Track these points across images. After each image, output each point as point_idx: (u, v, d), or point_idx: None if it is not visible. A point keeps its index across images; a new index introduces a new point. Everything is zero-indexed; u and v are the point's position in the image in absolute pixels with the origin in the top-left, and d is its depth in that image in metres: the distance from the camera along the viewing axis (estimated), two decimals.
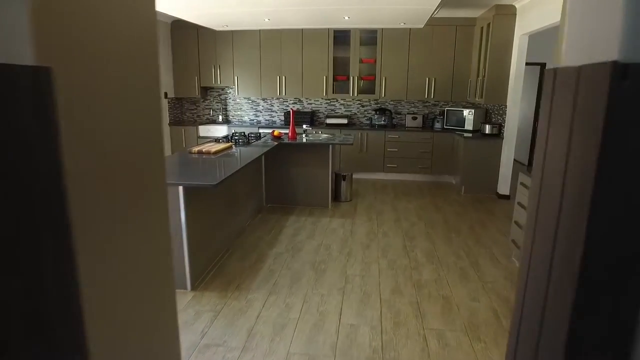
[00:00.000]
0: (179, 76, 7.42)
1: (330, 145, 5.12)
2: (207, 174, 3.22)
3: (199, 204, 3.34)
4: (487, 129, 6.09)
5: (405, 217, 5.03)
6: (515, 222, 3.63)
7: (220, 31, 7.03)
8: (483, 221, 4.94)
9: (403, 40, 6.69)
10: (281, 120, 7.60)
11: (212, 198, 3.67)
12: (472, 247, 4.13)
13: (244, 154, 4.24)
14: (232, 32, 7.01)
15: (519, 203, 3.59)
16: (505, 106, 5.81)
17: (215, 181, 2.91)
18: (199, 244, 3.37)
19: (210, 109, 7.80)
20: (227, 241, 4.06)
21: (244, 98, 7.63)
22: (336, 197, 5.63)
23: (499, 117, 6.10)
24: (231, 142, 4.82)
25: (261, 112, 7.68)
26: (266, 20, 5.30)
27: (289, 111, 7.40)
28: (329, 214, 5.14)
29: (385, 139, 6.83)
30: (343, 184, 5.53)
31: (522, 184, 3.53)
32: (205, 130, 7.30)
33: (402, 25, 6.34)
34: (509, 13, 5.52)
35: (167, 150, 7.34)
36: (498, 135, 6.02)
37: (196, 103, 7.86)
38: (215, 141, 4.78)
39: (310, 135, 5.58)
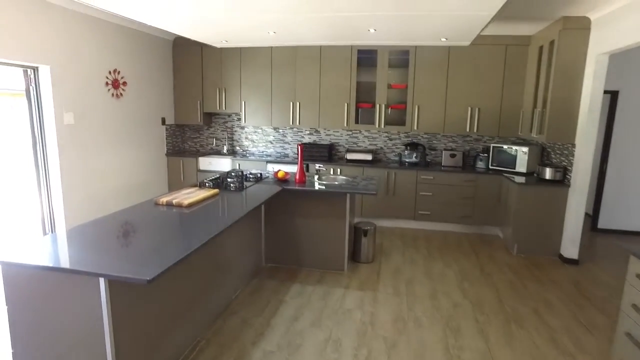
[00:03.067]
0: (180, 100, 6.50)
1: (348, 194, 3.99)
2: (155, 252, 2.14)
3: (143, 291, 2.25)
4: (548, 173, 4.83)
5: (445, 292, 3.80)
6: (628, 335, 2.37)
7: (227, 49, 6.11)
8: (550, 302, 3.66)
9: (441, 62, 5.58)
10: (294, 154, 6.54)
11: (173, 274, 2.57)
12: (546, 354, 2.86)
13: (230, 208, 3.15)
14: (240, 50, 6.07)
15: (634, 306, 2.33)
16: (573, 145, 4.57)
17: (149, 275, 1.81)
18: (141, 350, 2.26)
19: (214, 138, 6.83)
20: (197, 329, 2.94)
21: (252, 127, 6.63)
22: (355, 256, 4.45)
23: (563, 159, 4.84)
24: (220, 186, 3.76)
25: (272, 143, 6.64)
26: (271, 33, 4.31)
27: (305, 144, 6.35)
28: (344, 281, 3.96)
29: (417, 179, 5.65)
30: (364, 240, 4.36)
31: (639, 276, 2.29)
32: (206, 163, 6.30)
33: (442, 42, 5.25)
34: (581, 27, 4.34)
35: (164, 186, 6.36)
36: (562, 181, 4.75)
37: (199, 131, 6.90)
38: (198, 186, 3.72)
39: (324, 177, 4.47)
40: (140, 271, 1.86)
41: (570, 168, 4.65)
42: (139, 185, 5.84)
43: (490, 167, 5.67)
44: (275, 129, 6.57)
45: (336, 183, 4.22)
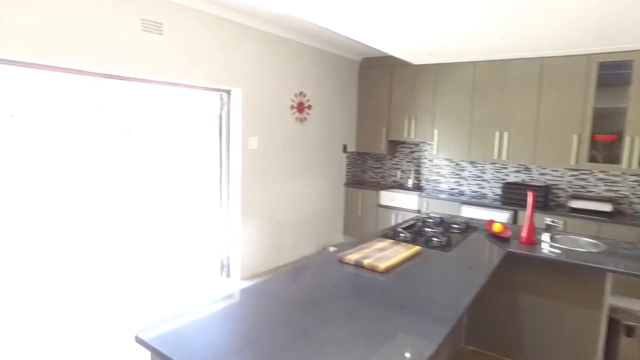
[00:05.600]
0: (364, 126, 5.92)
1: (610, 274, 2.65)
2: None
3: None
4: None
5: None
6: None
7: (420, 69, 5.28)
8: None
9: None
10: (495, 195, 5.27)
11: None
12: None
13: (442, 280, 2.21)
14: (437, 68, 5.17)
15: None
16: None
17: None
18: None
19: (399, 169, 6.02)
20: None
21: (445, 159, 5.62)
22: None
23: None
24: (418, 237, 2.84)
25: (466, 179, 5.51)
26: (499, 39, 3.28)
27: (511, 184, 5.05)
28: None
29: None
30: (625, 342, 2.91)
31: None
32: (388, 198, 5.52)
33: None
34: None
35: (339, 219, 5.80)
36: None
37: (381, 161, 6.19)
38: (392, 238, 2.86)
39: (558, 237, 3.19)
40: None
41: None
42: (314, 217, 5.36)
43: None
44: (472, 163, 5.44)
45: (581, 250, 2.91)
